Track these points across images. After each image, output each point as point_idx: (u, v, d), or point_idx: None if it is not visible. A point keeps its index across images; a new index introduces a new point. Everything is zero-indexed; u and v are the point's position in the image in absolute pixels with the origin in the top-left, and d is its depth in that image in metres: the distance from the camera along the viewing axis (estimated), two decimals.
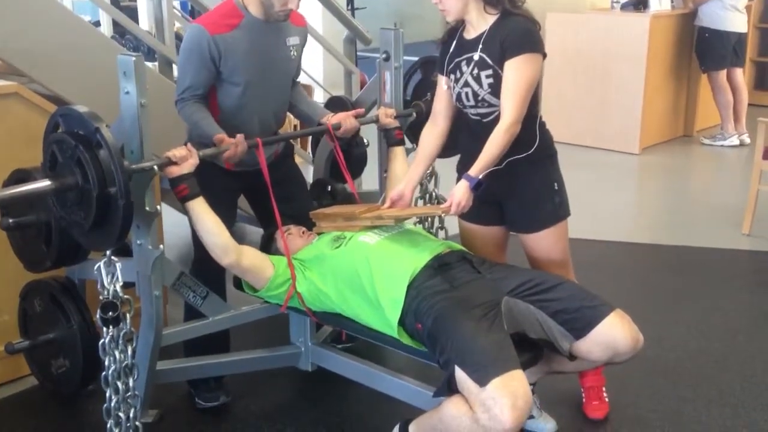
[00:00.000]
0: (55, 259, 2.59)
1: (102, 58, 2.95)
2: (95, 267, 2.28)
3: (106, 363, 2.30)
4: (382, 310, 2.25)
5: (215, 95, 2.64)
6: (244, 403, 2.80)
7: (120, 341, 2.28)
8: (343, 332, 2.85)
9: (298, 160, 3.17)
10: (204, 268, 2.60)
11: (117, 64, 2.24)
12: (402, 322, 2.23)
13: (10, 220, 2.58)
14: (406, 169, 2.73)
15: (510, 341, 2.09)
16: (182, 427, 2.65)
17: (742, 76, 6.39)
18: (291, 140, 3.02)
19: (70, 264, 2.69)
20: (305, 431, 2.66)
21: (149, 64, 3.28)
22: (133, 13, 6.91)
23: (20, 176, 2.59)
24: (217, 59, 2.54)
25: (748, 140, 6.32)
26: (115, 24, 7.17)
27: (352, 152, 3.43)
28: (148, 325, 2.41)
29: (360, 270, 2.32)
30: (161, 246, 2.41)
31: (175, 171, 2.29)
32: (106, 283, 2.26)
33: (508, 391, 1.93)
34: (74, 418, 2.75)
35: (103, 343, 2.28)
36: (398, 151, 2.86)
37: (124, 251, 2.45)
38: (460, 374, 2.02)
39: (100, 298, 2.27)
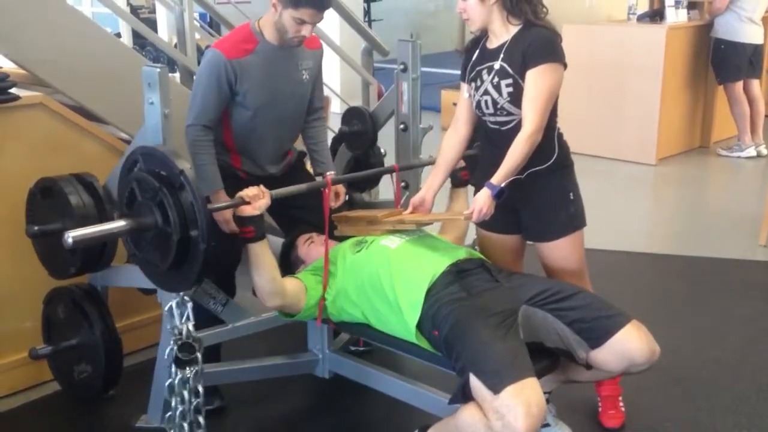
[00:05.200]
0: (79, 265, 2.63)
1: (125, 68, 3.01)
2: (167, 307, 2.26)
3: (173, 404, 2.29)
4: (402, 313, 2.28)
5: (228, 116, 2.71)
6: (261, 409, 2.83)
7: (191, 382, 2.27)
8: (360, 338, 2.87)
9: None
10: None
11: (142, 75, 2.29)
12: (419, 328, 2.26)
13: (35, 227, 2.63)
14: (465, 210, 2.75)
15: (525, 349, 2.10)
16: None
17: (758, 87, 6.37)
18: (296, 148, 3.06)
19: (93, 271, 2.74)
20: None
21: (170, 75, 3.33)
22: (151, 25, 7.00)
23: (46, 185, 2.65)
24: (233, 82, 2.61)
25: (765, 151, 6.31)
26: (135, 36, 7.27)
27: (370, 162, 3.46)
28: (170, 332, 2.43)
29: (381, 273, 2.34)
30: None
31: (247, 210, 2.27)
32: (178, 323, 2.25)
33: (522, 399, 1.94)
34: (96, 423, 2.78)
35: (172, 383, 2.27)
36: (460, 193, 2.82)
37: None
38: (474, 381, 2.03)
39: (172, 338, 2.26)
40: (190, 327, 2.26)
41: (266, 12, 2.64)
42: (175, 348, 2.25)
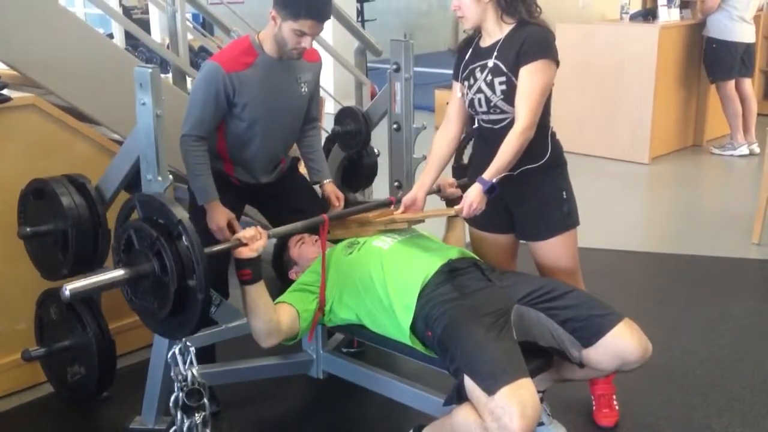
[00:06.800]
0: (72, 267, 2.62)
1: (117, 69, 3.00)
2: (169, 354, 2.22)
3: None
4: (395, 315, 2.28)
5: (223, 126, 2.70)
6: (255, 410, 2.83)
7: (198, 428, 2.21)
8: (355, 339, 2.87)
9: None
10: None
11: (134, 76, 2.28)
12: (413, 329, 2.26)
13: (28, 229, 2.62)
14: (462, 239, 2.75)
15: (518, 349, 2.10)
16: None
17: (750, 86, 6.40)
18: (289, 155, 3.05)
19: (85, 272, 2.72)
20: None
21: (162, 75, 3.33)
22: (144, 26, 7.00)
23: (37, 186, 2.64)
24: (231, 96, 2.61)
25: (757, 150, 6.33)
26: (128, 36, 7.27)
27: (363, 162, 3.47)
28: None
29: (374, 275, 2.34)
30: None
31: (245, 252, 2.22)
32: (182, 370, 2.19)
33: (517, 400, 1.93)
34: (90, 425, 2.78)
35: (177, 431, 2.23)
36: (458, 221, 2.78)
37: None
38: (469, 383, 2.03)
39: (176, 385, 2.21)
40: (195, 372, 2.21)
41: (266, 25, 2.64)
42: (182, 395, 2.19)
